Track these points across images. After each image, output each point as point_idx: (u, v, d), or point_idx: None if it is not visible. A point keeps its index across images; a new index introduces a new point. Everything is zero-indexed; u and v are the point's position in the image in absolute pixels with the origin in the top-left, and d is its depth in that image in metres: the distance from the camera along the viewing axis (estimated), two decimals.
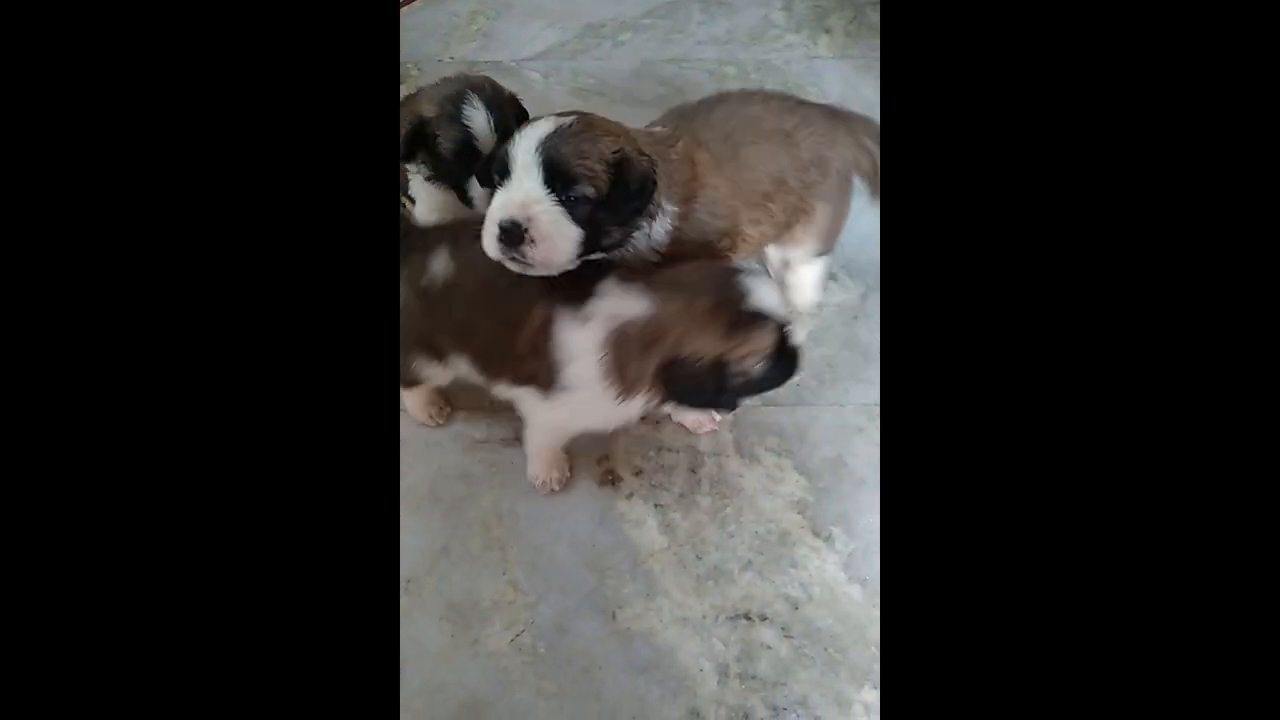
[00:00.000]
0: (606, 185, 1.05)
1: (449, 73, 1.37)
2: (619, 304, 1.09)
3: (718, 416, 1.37)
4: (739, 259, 1.25)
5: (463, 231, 1.14)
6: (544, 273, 1.07)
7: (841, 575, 1.22)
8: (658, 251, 1.16)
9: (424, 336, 1.19)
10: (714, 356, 1.06)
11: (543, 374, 1.11)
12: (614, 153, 1.05)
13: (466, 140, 1.24)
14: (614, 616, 1.19)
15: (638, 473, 1.33)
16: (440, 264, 1.15)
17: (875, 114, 1.15)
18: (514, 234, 1.02)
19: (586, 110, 1.11)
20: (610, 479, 1.33)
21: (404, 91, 1.38)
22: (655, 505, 1.30)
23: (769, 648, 1.16)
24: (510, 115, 1.26)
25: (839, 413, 1.40)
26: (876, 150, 1.28)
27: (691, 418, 1.36)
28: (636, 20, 2.16)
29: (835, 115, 1.30)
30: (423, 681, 1.12)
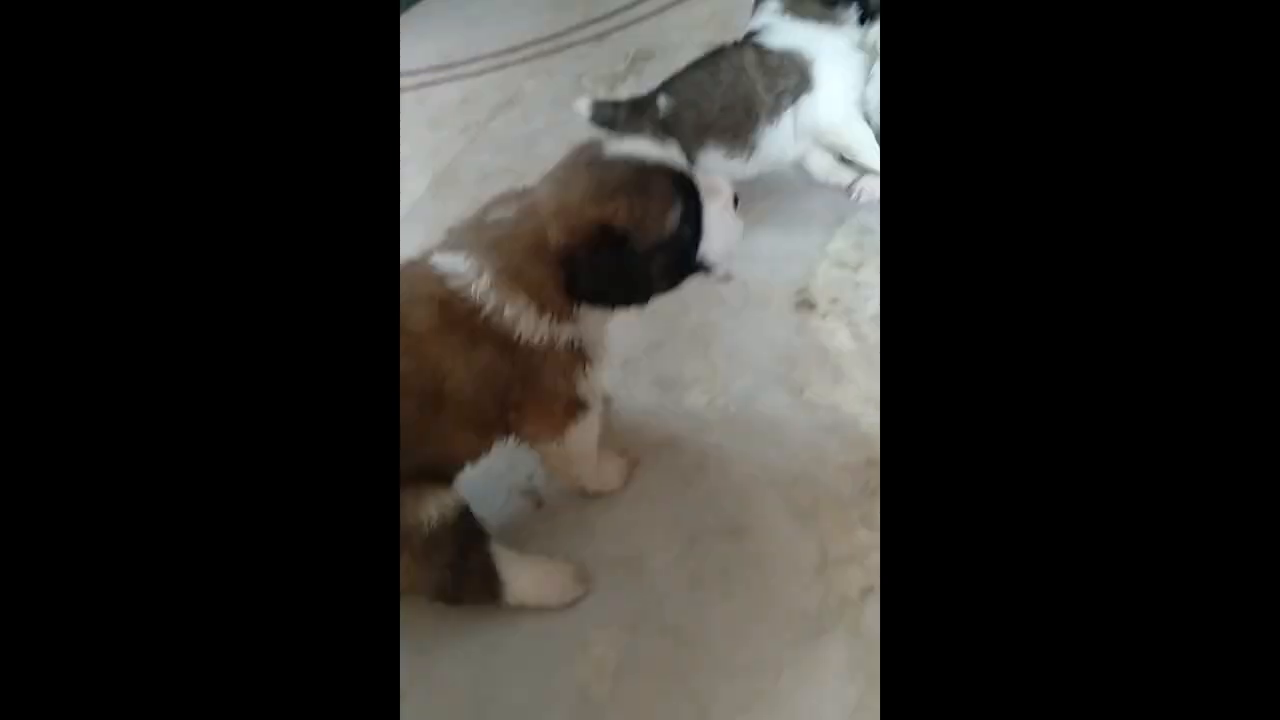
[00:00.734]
0: None
1: None
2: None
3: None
4: None
5: None
6: None
7: None
8: None
9: None
10: (608, 225, 0.91)
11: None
12: None
13: None
14: (801, 392, 1.30)
15: (834, 300, 1.45)
16: None
17: None
18: None
19: None
20: (807, 304, 1.46)
21: None
22: (848, 321, 1.40)
23: None
24: None
25: None
26: None
27: None
28: None
29: None
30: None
